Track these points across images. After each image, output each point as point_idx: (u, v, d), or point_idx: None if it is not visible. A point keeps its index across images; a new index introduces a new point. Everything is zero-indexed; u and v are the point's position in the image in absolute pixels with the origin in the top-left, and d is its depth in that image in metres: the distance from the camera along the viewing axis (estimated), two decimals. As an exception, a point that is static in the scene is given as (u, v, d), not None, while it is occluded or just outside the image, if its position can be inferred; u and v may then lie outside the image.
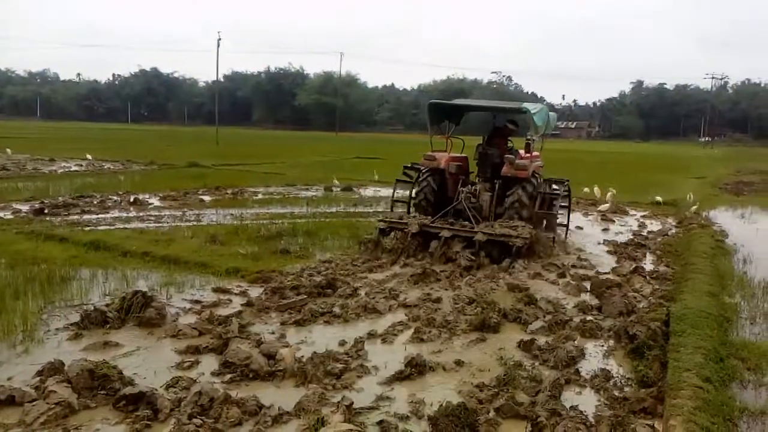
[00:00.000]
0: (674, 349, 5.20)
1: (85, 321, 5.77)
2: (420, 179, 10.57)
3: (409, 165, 10.99)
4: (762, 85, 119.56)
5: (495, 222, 9.52)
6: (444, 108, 11.39)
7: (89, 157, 25.07)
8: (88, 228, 10.42)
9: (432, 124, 11.14)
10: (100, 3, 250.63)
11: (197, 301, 6.64)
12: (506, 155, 10.31)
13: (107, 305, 6.11)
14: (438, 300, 6.99)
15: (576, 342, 5.78)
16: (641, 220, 14.27)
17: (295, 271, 7.84)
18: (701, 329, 5.58)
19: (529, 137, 10.51)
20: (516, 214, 9.64)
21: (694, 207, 14.47)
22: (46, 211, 11.84)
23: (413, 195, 10.69)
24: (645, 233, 12.29)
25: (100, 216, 11.80)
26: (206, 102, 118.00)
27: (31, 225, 10.46)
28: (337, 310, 6.45)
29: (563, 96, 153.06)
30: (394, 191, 11.03)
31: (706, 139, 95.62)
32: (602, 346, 5.82)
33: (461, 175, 10.64)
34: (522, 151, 10.56)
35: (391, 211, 11.01)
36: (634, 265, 9.00)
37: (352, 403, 4.27)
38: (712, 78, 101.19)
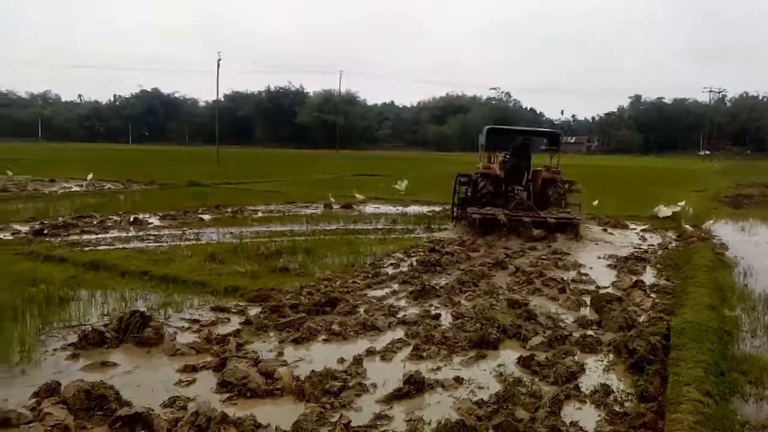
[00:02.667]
0: (674, 363, 5.17)
1: (83, 341, 5.76)
2: (480, 183, 13.96)
3: (464, 174, 14.76)
4: (760, 97, 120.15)
5: (553, 210, 13.40)
6: (497, 131, 16.05)
7: (90, 176, 25.13)
8: (87, 248, 10.43)
9: (488, 143, 15.12)
10: (102, 24, 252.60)
11: (195, 321, 6.62)
12: (546, 165, 14.65)
13: (105, 325, 6.09)
14: (437, 317, 6.97)
15: (576, 357, 5.75)
16: (641, 233, 14.25)
17: (294, 289, 7.81)
18: (702, 343, 5.55)
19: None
20: (555, 205, 13.75)
21: (689, 224, 14.55)
22: (45, 231, 11.84)
23: (477, 194, 13.96)
24: (645, 247, 12.27)
25: (99, 236, 11.81)
26: (207, 121, 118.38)
27: (30, 246, 10.46)
28: (336, 327, 6.43)
29: (562, 111, 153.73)
30: (454, 193, 14.69)
31: (706, 152, 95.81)
32: (602, 360, 5.78)
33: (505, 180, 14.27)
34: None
35: (454, 206, 14.75)
36: (634, 279, 8.97)
37: (350, 421, 4.25)
38: (710, 92, 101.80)
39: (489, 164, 14.49)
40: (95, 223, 13.39)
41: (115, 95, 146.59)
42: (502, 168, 14.40)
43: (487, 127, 15.52)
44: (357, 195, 18.85)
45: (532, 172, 14.92)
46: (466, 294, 8.08)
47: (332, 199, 18.62)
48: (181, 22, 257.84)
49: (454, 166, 32.19)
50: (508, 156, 14.95)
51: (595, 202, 17.67)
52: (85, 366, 5.33)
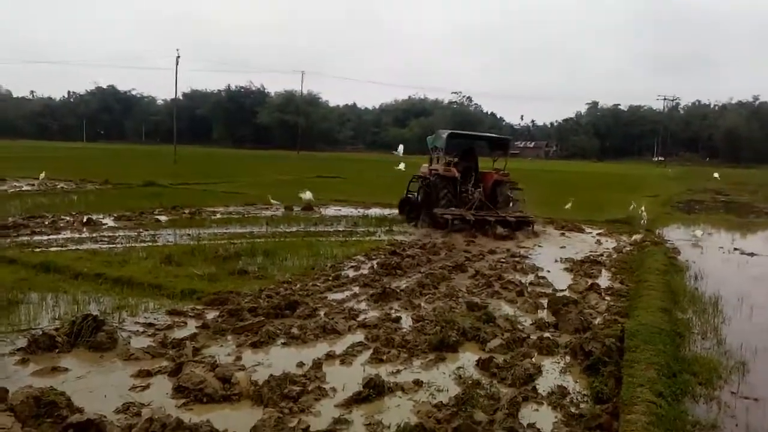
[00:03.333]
0: (628, 364, 5.29)
1: (33, 346, 5.57)
2: (440, 185, 14.81)
3: (419, 174, 16.11)
4: (711, 106, 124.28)
5: (506, 209, 14.91)
6: (456, 136, 16.78)
7: (42, 175, 24.28)
8: (38, 249, 10.09)
9: (447, 147, 15.63)
10: (57, 18, 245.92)
11: (151, 324, 6.47)
12: (496, 168, 16.22)
13: (56, 329, 5.92)
14: (397, 320, 6.98)
15: (533, 359, 5.83)
16: (597, 237, 14.56)
17: (253, 292, 7.72)
18: (654, 345, 5.70)
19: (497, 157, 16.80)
20: (505, 205, 15.15)
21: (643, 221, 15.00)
22: (-6, 232, 11.42)
23: (437, 195, 14.80)
24: (601, 250, 12.55)
25: (51, 237, 11.45)
26: (165, 120, 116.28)
27: (-23, 247, 10.08)
28: (295, 331, 6.37)
29: (521, 116, 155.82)
30: (407, 192, 16.52)
31: (660, 158, 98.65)
32: (559, 362, 5.88)
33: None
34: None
35: (408, 207, 16.12)
36: (589, 282, 9.16)
37: (309, 426, 4.21)
38: (664, 99, 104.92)
39: (448, 167, 15.16)
40: (47, 223, 12.98)
41: (69, 92, 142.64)
42: (458, 171, 15.26)
43: (448, 131, 16.19)
44: (303, 196, 18.47)
45: (481, 174, 16.10)
46: (427, 297, 8.12)
47: (273, 201, 17.96)
48: (140, 17, 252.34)
49: (413, 168, 32.35)
50: (457, 159, 15.85)
51: (568, 206, 17.94)
52: (35, 371, 5.16)
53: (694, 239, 14.34)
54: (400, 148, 20.49)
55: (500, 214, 14.55)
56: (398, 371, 5.48)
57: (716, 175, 35.06)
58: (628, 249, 12.83)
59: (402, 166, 20.83)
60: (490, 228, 13.95)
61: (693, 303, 8.10)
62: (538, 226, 15.17)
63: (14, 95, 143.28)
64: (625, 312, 7.44)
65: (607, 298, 8.46)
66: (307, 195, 18.49)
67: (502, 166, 16.45)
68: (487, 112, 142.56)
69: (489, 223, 14.13)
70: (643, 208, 16.72)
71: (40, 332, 5.80)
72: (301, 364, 5.48)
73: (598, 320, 7.20)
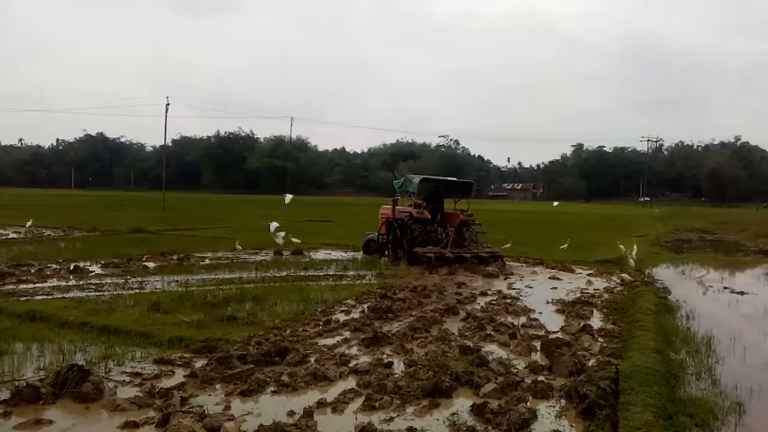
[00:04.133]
0: (624, 407, 5.22)
1: (16, 398, 5.43)
2: (414, 226, 15.97)
3: (396, 219, 16.68)
4: (694, 146, 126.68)
5: (475, 246, 16.46)
6: (428, 180, 17.80)
7: (29, 223, 24.08)
8: (23, 298, 9.94)
9: (419, 191, 16.87)
10: (46, 67, 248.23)
11: (137, 374, 6.33)
12: (461, 209, 17.62)
13: (41, 380, 5.78)
14: (389, 365, 6.87)
15: (528, 403, 5.74)
16: (587, 278, 14.57)
17: (242, 339, 7.60)
18: (649, 386, 5.64)
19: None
20: (473, 242, 16.68)
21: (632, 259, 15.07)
22: (-22, 281, 11.25)
23: (410, 235, 15.89)
24: (591, 291, 12.54)
25: (37, 285, 11.28)
26: (153, 167, 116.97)
27: (-39, 296, 9.92)
28: (285, 378, 6.25)
29: (508, 159, 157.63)
30: (379, 235, 17.42)
31: (646, 198, 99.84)
32: (554, 406, 5.79)
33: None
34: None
35: (388, 246, 17.02)
36: (582, 324, 9.12)
37: (301, 477, 4.09)
38: (648, 141, 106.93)
39: (421, 210, 16.46)
40: (33, 271, 12.82)
41: (58, 139, 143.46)
42: (427, 213, 16.61)
43: (421, 177, 17.41)
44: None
45: (447, 214, 17.51)
46: (419, 341, 8.03)
47: (238, 246, 17.85)
48: (129, 65, 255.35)
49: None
50: (425, 202, 17.14)
51: (564, 246, 18.37)
52: (18, 424, 5.03)
53: (699, 278, 14.40)
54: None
55: (473, 250, 15.96)
56: (391, 418, 5.37)
57: (555, 202, 34.75)
58: (619, 289, 12.83)
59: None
60: (466, 263, 15.31)
61: (686, 343, 8.07)
62: (527, 267, 15.21)
63: (2, 143, 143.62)
64: (619, 353, 7.39)
65: (600, 339, 8.41)
66: (273, 226, 18.61)
67: (466, 207, 17.90)
68: (474, 155, 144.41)
69: (465, 259, 15.45)
70: (634, 247, 16.83)
71: (24, 383, 5.66)
72: (291, 413, 5.37)
73: (592, 362, 7.13)
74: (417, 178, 17.04)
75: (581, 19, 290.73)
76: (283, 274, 13.56)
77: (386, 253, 16.93)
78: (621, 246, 17.26)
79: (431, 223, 16.59)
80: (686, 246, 24.50)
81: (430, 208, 16.83)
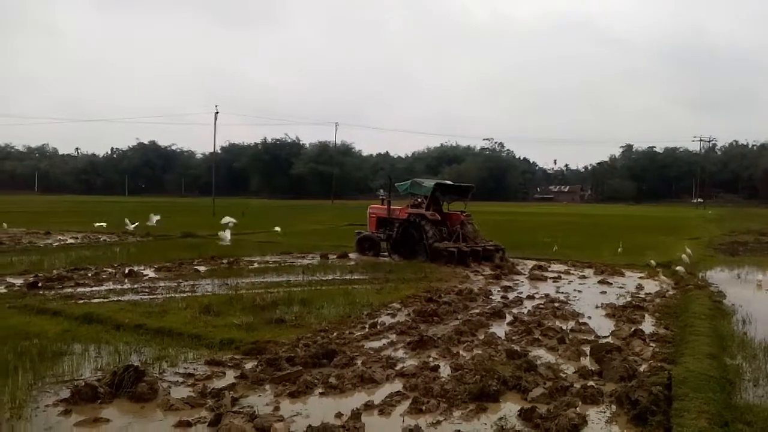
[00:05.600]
0: (678, 414, 5.10)
1: (76, 397, 5.65)
2: (428, 226, 17.32)
3: (390, 217, 18.61)
4: (749, 146, 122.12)
5: (479, 241, 17.90)
6: (441, 186, 18.93)
7: (96, 224, 24.98)
8: (81, 301, 10.32)
9: (433, 194, 18.12)
10: (100, 79, 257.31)
11: (190, 375, 6.51)
12: (462, 210, 18.93)
13: (98, 380, 6.00)
14: (436, 368, 6.87)
15: (578, 409, 5.65)
16: (638, 281, 14.23)
17: (290, 341, 7.72)
18: (704, 393, 5.48)
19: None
20: (475, 237, 18.00)
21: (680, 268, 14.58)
22: (40, 284, 11.73)
23: (428, 234, 17.26)
24: (642, 295, 12.24)
25: (94, 289, 11.70)
26: (203, 173, 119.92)
27: (24, 299, 10.35)
28: (333, 380, 6.32)
29: (555, 161, 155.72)
30: (376, 234, 18.84)
31: (699, 200, 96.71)
32: (604, 412, 5.68)
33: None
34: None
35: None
36: (633, 328, 8.92)
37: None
38: (700, 140, 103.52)
39: (433, 212, 17.92)
40: (90, 275, 13.29)
41: (112, 148, 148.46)
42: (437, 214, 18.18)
43: (436, 182, 18.99)
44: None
45: (448, 215, 18.80)
46: (465, 344, 8.00)
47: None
48: (181, 75, 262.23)
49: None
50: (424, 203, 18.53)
51: (619, 249, 18.40)
52: (78, 422, 5.22)
53: (758, 282, 13.89)
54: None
55: (480, 245, 17.53)
56: (438, 422, 5.37)
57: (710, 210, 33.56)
58: (672, 293, 12.49)
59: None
60: (479, 257, 17.05)
61: (742, 348, 7.79)
62: (576, 270, 15.06)
63: (60, 153, 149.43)
64: (672, 358, 7.20)
65: (652, 344, 8.20)
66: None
67: (463, 208, 19.32)
68: (519, 157, 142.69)
69: (478, 252, 17.10)
70: (688, 250, 16.34)
71: (83, 383, 5.88)
72: (339, 415, 5.43)
73: (643, 367, 6.97)
74: (429, 182, 18.69)
75: (625, 16, 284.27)
76: (330, 277, 13.70)
77: (389, 251, 18.34)
78: (687, 251, 16.66)
79: (440, 223, 17.86)
80: (742, 248, 23.60)
81: (434, 209, 18.17)
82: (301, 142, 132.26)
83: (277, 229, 23.15)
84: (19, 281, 12.24)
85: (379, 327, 8.86)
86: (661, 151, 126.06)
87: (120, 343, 7.50)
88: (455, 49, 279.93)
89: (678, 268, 14.82)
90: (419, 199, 18.59)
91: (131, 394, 5.73)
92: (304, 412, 5.56)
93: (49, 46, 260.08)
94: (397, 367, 6.90)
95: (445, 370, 6.84)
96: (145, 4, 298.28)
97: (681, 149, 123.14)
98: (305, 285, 12.37)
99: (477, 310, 10.25)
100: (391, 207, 18.84)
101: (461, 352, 7.60)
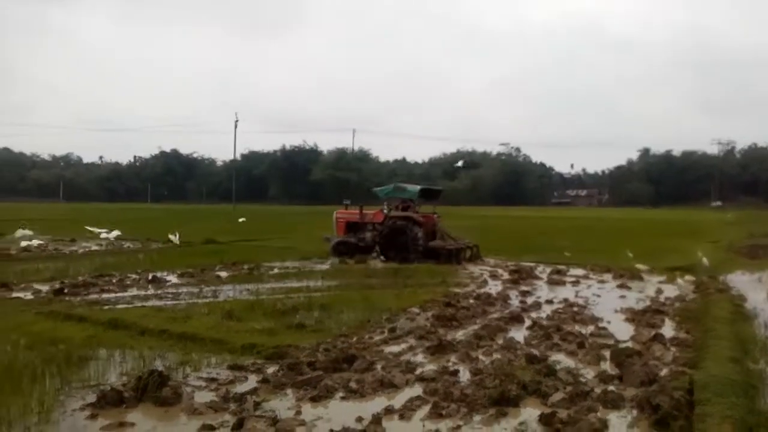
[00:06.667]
0: (700, 419, 5.08)
1: (102, 401, 5.76)
2: (415, 228, 18.39)
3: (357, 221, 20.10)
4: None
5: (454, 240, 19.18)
6: (423, 190, 20.24)
7: (116, 233, 25.59)
8: (106, 307, 10.50)
9: (417, 198, 19.97)
10: (123, 88, 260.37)
11: (213, 379, 6.61)
12: (433, 212, 20.17)
13: (123, 385, 6.12)
14: (455, 372, 6.90)
15: (599, 413, 5.65)
16: (657, 285, 14.11)
17: (310, 346, 7.81)
18: (727, 397, 5.45)
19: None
20: (450, 237, 19.24)
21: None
22: (65, 290, 11.95)
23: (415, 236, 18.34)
24: (662, 299, 12.15)
25: (118, 294, 11.90)
26: (224, 180, 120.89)
27: (50, 305, 10.57)
28: (353, 385, 6.38)
29: (572, 165, 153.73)
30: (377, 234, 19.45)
31: (718, 203, 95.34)
32: (625, 417, 5.67)
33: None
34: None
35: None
36: (653, 332, 8.86)
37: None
38: (719, 144, 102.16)
39: (418, 215, 19.24)
40: (114, 281, 13.51)
41: (135, 156, 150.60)
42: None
43: (420, 187, 20.25)
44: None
45: (423, 216, 19.73)
46: (484, 349, 8.02)
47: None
48: (201, 84, 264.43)
49: (461, 219, 32.39)
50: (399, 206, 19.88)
51: (629, 254, 18.17)
52: (104, 426, 5.33)
53: None
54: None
55: (460, 243, 18.97)
56: (458, 427, 5.40)
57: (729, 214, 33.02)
58: (692, 297, 12.39)
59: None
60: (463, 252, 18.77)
61: (765, 352, 7.70)
62: (595, 275, 15.12)
63: (84, 161, 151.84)
64: (693, 363, 7.14)
65: (673, 348, 8.15)
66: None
67: (433, 210, 20.47)
68: (536, 162, 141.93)
69: (461, 249, 18.67)
70: (700, 255, 16.21)
71: (109, 387, 6.01)
72: (360, 419, 5.48)
73: (664, 372, 6.93)
74: (414, 187, 20.12)
75: (642, 18, 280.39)
76: (348, 282, 13.78)
77: (378, 253, 19.21)
78: (700, 254, 16.57)
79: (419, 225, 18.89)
80: (762, 251, 23.24)
81: (413, 211, 19.44)
82: (319, 149, 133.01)
83: (242, 220, 24.59)
84: (45, 288, 12.47)
85: (398, 332, 8.91)
86: (679, 155, 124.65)
87: (144, 348, 7.63)
88: (471, 54, 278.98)
89: (704, 259, 14.79)
90: (398, 204, 19.81)
91: (156, 398, 5.84)
92: (326, 416, 5.63)
93: (71, 57, 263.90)
94: (417, 372, 6.94)
95: (464, 375, 6.87)
96: (165, 15, 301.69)
97: (699, 152, 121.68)
98: (325, 290, 12.47)
99: (496, 315, 10.26)
100: (364, 212, 20.00)
101: (480, 357, 7.62)
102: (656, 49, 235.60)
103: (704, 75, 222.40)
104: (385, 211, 19.94)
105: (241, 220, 26.65)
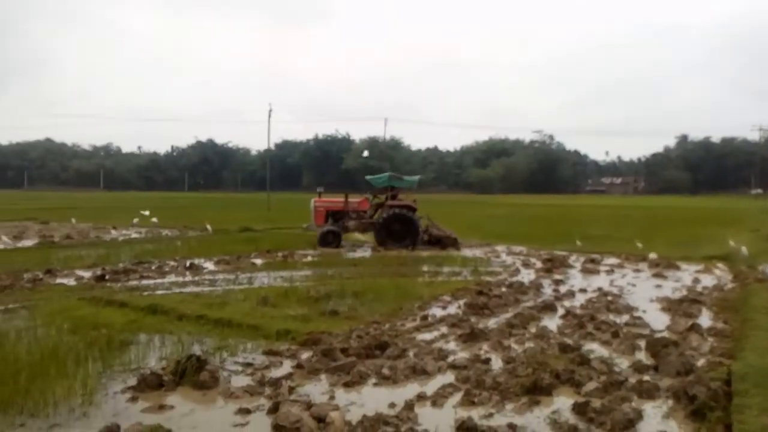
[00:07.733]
0: (738, 410, 4.99)
1: (142, 384, 5.94)
2: (414, 217, 19.29)
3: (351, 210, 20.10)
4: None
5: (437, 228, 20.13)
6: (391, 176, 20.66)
7: (154, 220, 26.61)
8: (146, 293, 10.76)
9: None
10: (160, 78, 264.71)
11: (249, 364, 6.75)
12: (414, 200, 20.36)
13: (163, 369, 6.30)
14: (487, 361, 6.91)
15: (633, 403, 5.59)
16: (694, 275, 13.84)
17: (343, 333, 7.90)
18: (766, 388, 5.35)
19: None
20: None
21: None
22: (107, 277, 12.28)
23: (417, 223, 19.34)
24: (699, 289, 11.92)
25: (157, 281, 12.19)
26: (258, 169, 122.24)
27: (92, 291, 10.87)
28: (386, 371, 6.44)
29: (606, 152, 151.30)
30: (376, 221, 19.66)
31: (758, 191, 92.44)
32: (661, 407, 5.61)
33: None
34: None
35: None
36: (690, 322, 8.71)
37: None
38: (760, 130, 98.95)
39: (410, 203, 19.79)
40: (153, 268, 13.83)
41: (172, 146, 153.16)
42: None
43: (418, 176, 22.01)
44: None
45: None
46: (516, 337, 8.01)
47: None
48: (236, 74, 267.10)
49: (489, 207, 32.04)
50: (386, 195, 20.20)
51: (639, 245, 17.95)
52: (144, 408, 5.50)
53: None
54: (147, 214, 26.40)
55: (445, 231, 19.89)
56: (491, 414, 5.42)
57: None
58: (730, 287, 12.12)
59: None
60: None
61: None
62: (630, 264, 14.96)
63: (123, 151, 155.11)
64: (731, 353, 7.02)
65: (710, 338, 8.02)
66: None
67: (413, 199, 20.64)
68: (570, 150, 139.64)
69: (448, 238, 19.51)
70: (731, 242, 15.83)
71: (149, 371, 6.19)
72: (392, 405, 5.54)
73: (701, 362, 6.83)
74: (413, 177, 21.20)
75: (679, 2, 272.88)
76: (381, 270, 13.85)
77: (378, 241, 19.11)
78: (737, 243, 16.20)
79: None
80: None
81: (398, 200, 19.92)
82: (351, 138, 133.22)
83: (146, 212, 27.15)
84: (87, 274, 12.84)
85: (430, 319, 8.95)
86: (717, 141, 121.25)
87: (183, 333, 7.80)
88: (505, 41, 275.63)
89: (743, 248, 14.47)
90: (387, 194, 20.01)
91: (194, 382, 6.00)
92: (359, 401, 5.71)
93: (111, 48, 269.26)
94: (449, 360, 6.97)
95: (496, 363, 6.88)
96: (201, 5, 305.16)
97: (739, 139, 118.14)
98: (357, 277, 12.56)
99: (528, 304, 10.21)
100: (349, 200, 20.17)
101: (513, 345, 7.62)
102: (694, 36, 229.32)
103: (745, 60, 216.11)
104: (370, 199, 20.60)
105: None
